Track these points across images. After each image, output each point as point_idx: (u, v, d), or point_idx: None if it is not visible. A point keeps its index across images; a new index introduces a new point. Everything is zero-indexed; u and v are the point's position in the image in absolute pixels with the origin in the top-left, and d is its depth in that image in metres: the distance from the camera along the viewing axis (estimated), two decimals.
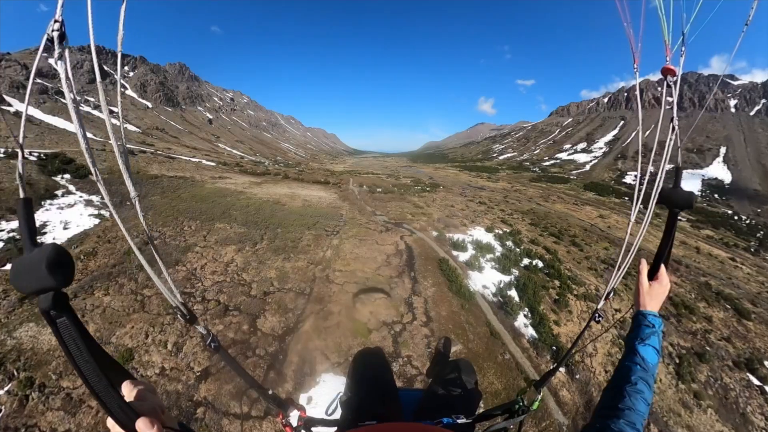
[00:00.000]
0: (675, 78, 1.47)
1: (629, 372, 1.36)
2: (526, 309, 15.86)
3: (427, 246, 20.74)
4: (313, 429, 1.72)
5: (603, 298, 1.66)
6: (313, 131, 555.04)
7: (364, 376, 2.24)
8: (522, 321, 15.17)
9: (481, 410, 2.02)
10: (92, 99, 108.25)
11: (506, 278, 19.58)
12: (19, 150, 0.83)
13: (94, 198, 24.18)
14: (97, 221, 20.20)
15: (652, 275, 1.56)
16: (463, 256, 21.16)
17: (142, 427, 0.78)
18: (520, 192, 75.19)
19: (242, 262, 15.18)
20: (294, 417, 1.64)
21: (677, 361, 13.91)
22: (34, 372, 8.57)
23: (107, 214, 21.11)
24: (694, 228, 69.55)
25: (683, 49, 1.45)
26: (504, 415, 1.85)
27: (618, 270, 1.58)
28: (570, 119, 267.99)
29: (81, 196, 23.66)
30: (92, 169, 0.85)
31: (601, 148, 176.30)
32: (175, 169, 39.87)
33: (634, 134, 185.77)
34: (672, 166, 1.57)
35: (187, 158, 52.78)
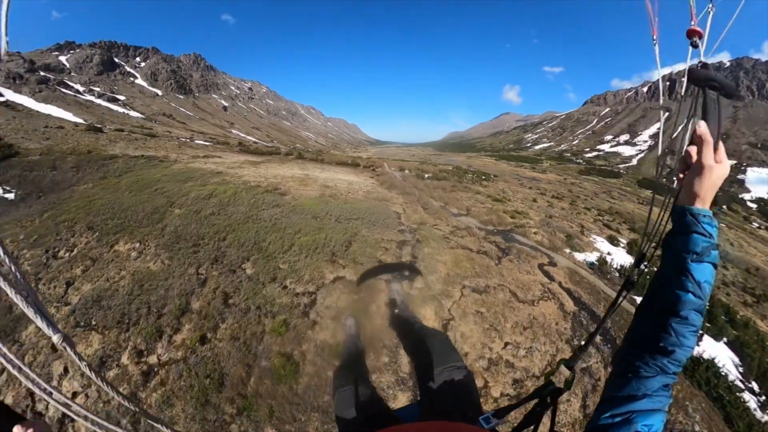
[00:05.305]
0: (702, 40, 1.21)
1: (678, 302, 0.93)
2: None
3: (606, 299, 8.42)
4: None
5: (636, 257, 1.21)
6: (334, 121, 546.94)
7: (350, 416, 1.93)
8: None
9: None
10: (97, 89, 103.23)
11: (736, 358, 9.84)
12: None
13: None
14: None
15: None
16: None
17: None
18: (578, 186, 65.60)
19: None
20: None
21: None
22: None
23: None
24: None
25: (711, 6, 1.23)
26: (533, 401, 1.42)
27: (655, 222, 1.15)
28: (607, 109, 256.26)
29: None
30: None
31: (646, 141, 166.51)
32: (147, 148, 28.98)
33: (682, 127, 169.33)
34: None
35: (176, 137, 41.74)
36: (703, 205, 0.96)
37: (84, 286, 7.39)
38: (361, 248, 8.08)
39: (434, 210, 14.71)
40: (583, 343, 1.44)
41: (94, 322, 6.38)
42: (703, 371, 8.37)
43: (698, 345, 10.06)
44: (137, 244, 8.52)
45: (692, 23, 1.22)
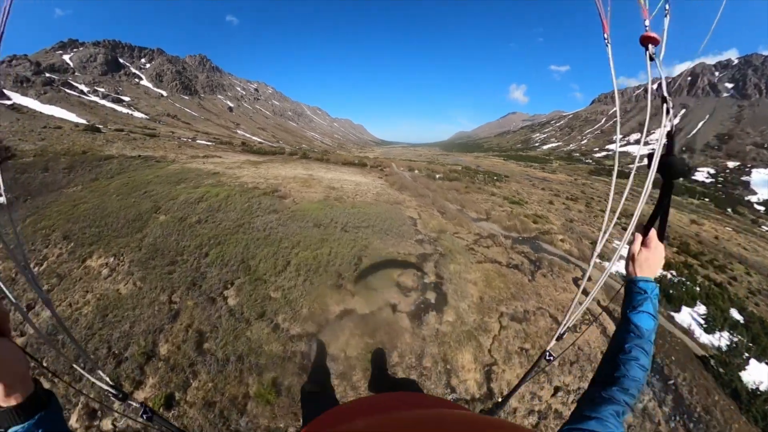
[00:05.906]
0: (658, 46, 1.08)
1: (623, 341, 1.24)
2: None
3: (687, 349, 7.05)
4: None
5: (554, 338, 1.52)
6: (340, 121, 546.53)
7: None
8: None
9: None
10: (102, 89, 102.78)
11: None
12: None
13: None
14: None
15: (642, 243, 1.40)
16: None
17: None
18: (590, 186, 64.68)
19: None
20: None
21: None
22: None
23: None
24: None
25: (667, 7, 1.07)
26: None
27: (571, 309, 1.47)
28: (615, 107, 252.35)
29: None
30: None
31: (659, 140, 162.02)
32: (145, 148, 28.08)
33: (701, 124, 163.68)
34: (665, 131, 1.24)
35: (177, 137, 40.77)
36: (641, 273, 1.31)
37: (44, 312, 6.24)
38: (370, 269, 6.74)
39: (452, 215, 13.34)
40: (500, 399, 1.84)
41: (45, 364, 5.19)
42: (760, 404, 7.81)
43: (745, 369, 9.28)
44: (111, 259, 7.31)
45: (645, 25, 1.03)
